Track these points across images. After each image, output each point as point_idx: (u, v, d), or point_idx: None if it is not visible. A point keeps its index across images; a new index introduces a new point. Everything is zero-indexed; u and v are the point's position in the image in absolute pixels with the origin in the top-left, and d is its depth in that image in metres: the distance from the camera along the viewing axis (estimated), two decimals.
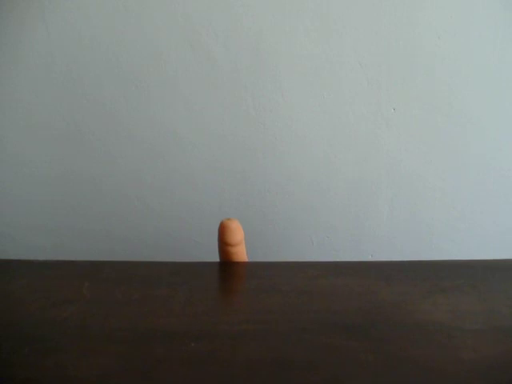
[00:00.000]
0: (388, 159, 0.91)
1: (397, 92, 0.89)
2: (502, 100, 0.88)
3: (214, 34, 0.87)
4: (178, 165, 0.93)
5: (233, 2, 0.86)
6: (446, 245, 0.94)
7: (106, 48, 0.88)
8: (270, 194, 0.94)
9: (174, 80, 0.89)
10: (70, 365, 0.31)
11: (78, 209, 0.96)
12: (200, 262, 0.49)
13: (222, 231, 0.48)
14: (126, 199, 0.95)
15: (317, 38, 0.87)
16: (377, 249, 0.95)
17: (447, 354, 0.32)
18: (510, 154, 0.91)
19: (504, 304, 0.40)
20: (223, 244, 0.49)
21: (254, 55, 0.88)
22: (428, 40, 0.86)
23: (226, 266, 0.51)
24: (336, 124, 0.90)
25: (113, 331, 0.36)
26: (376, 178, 0.92)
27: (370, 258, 0.95)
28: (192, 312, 0.39)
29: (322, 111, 0.90)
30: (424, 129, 0.90)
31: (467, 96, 0.88)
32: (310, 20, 0.86)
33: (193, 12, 0.86)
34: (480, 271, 0.46)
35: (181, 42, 0.87)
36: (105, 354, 0.32)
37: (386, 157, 0.91)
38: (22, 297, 0.42)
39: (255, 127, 0.90)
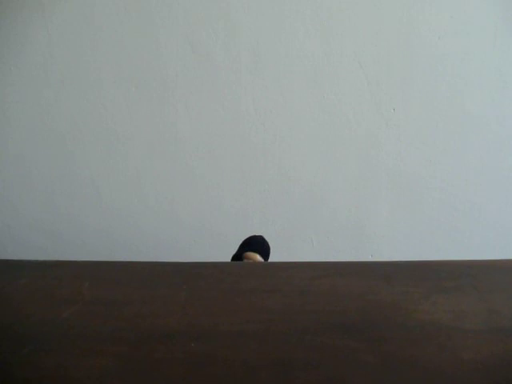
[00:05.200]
0: (388, 159, 0.91)
1: (397, 92, 0.89)
2: (502, 100, 0.88)
3: (214, 34, 0.87)
4: (178, 165, 0.93)
5: (233, 2, 0.85)
6: (446, 245, 0.94)
7: (106, 48, 0.88)
8: (270, 193, 0.94)
9: (174, 80, 0.89)
10: (69, 365, 0.31)
11: (78, 209, 0.96)
12: (199, 262, 0.49)
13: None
14: (126, 199, 0.95)
15: (317, 38, 0.87)
16: (377, 249, 0.95)
17: (447, 354, 0.32)
18: (510, 154, 0.91)
19: (504, 304, 0.40)
20: None
21: (253, 55, 0.88)
22: (428, 40, 0.86)
23: (226, 266, 0.51)
24: (336, 124, 0.90)
25: (113, 331, 0.36)
26: (376, 178, 0.92)
27: (370, 258, 0.95)
28: (192, 312, 0.39)
29: (321, 111, 0.90)
30: (424, 129, 0.90)
31: (467, 96, 0.88)
32: (310, 20, 0.86)
33: (193, 12, 0.86)
34: (480, 271, 0.46)
35: (181, 42, 0.87)
36: (105, 354, 0.32)
37: (386, 157, 0.91)
38: (22, 297, 0.42)
39: (255, 127, 0.90)
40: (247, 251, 0.54)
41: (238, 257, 0.54)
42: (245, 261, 0.53)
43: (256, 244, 0.55)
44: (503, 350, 0.33)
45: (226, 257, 0.59)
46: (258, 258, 0.54)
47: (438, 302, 0.40)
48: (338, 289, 0.43)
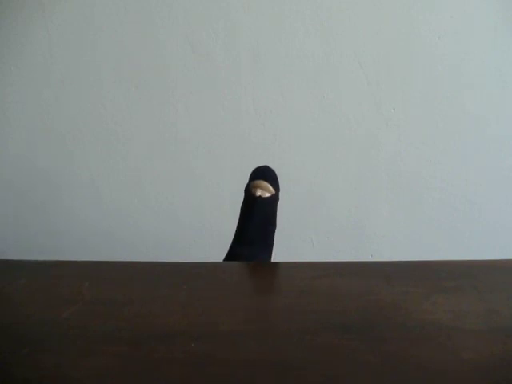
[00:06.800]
0: (388, 159, 0.91)
1: (397, 92, 0.88)
2: (502, 100, 0.88)
3: (214, 34, 0.87)
4: (178, 165, 0.93)
5: (233, 2, 0.85)
6: (445, 245, 0.94)
7: (106, 48, 0.88)
8: None
9: (174, 80, 0.89)
10: (69, 365, 0.31)
11: (78, 209, 0.96)
12: (200, 262, 0.49)
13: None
14: (126, 199, 0.95)
15: (317, 38, 0.87)
16: (377, 249, 0.95)
17: (447, 354, 0.32)
18: (510, 154, 0.90)
19: (504, 304, 0.40)
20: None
21: (253, 55, 0.88)
22: (428, 40, 0.86)
23: (227, 266, 0.51)
24: (336, 124, 0.90)
25: (113, 331, 0.36)
26: (376, 178, 0.92)
27: (370, 258, 0.95)
28: (192, 312, 0.39)
29: (321, 111, 0.90)
30: (424, 129, 0.90)
31: (467, 96, 0.88)
32: (310, 20, 0.86)
33: (193, 12, 0.86)
34: (480, 271, 0.46)
35: (181, 42, 0.87)
36: (105, 354, 0.32)
37: (386, 157, 0.91)
38: (21, 297, 0.42)
39: (255, 127, 0.90)
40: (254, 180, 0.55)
41: (248, 186, 0.57)
42: (253, 190, 0.55)
43: (262, 172, 0.59)
44: (503, 350, 0.33)
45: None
46: (265, 184, 0.55)
47: (437, 302, 0.40)
48: (338, 289, 0.43)
